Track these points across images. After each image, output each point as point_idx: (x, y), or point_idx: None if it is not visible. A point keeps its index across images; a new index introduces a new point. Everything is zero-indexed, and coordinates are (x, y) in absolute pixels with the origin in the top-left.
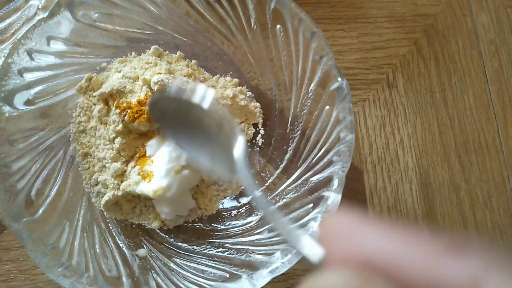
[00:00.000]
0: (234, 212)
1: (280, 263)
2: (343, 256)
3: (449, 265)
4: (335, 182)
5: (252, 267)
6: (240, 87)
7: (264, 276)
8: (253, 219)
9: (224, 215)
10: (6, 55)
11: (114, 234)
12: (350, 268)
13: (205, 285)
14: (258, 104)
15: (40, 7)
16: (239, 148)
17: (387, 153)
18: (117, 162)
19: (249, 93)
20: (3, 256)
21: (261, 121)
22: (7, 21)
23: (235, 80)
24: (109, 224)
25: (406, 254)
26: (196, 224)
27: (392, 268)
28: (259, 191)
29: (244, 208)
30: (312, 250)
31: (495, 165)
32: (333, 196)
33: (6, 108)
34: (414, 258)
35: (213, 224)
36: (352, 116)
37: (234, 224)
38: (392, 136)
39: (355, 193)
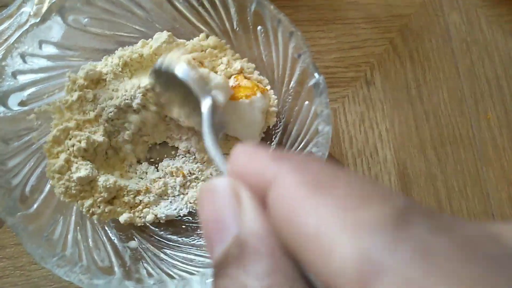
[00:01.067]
0: None
1: None
2: (233, 171)
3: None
4: None
5: None
6: (246, 58)
7: None
8: None
9: None
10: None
11: (106, 227)
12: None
13: (193, 272)
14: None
15: (31, 14)
16: (205, 106)
17: (367, 146)
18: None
19: None
20: None
21: (269, 87)
22: (0, 28)
23: (238, 54)
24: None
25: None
26: (185, 218)
27: (247, 179)
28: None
29: None
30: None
31: (469, 156)
32: None
33: (1, 109)
34: (252, 169)
35: None
36: (329, 110)
37: None
38: (371, 130)
39: None
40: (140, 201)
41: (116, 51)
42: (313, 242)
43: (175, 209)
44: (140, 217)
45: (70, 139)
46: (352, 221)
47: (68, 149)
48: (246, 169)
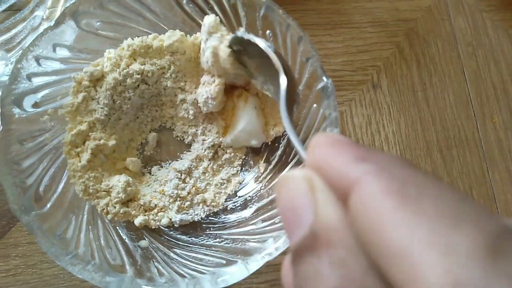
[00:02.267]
0: (231, 206)
1: (273, 248)
2: (312, 164)
3: (347, 169)
4: None
5: (247, 253)
6: None
7: (258, 260)
8: (248, 211)
9: (220, 209)
10: (13, 62)
11: (117, 227)
12: (310, 169)
13: (204, 271)
14: None
15: (44, 17)
16: (283, 84)
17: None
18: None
19: None
20: (11, 252)
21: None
22: (14, 31)
23: None
24: None
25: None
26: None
27: (324, 172)
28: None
29: (239, 201)
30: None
31: (475, 158)
32: None
33: (16, 110)
34: (333, 165)
35: (210, 218)
36: (337, 113)
37: (230, 217)
38: (377, 133)
39: None
40: (155, 205)
41: (124, 40)
42: (399, 258)
43: (190, 214)
44: (155, 220)
45: (88, 140)
46: (443, 244)
47: (88, 150)
48: (326, 164)
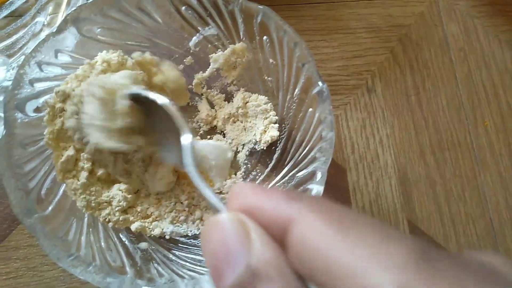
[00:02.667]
0: None
1: None
2: (243, 209)
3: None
4: (318, 175)
5: None
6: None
7: None
8: None
9: None
10: (14, 67)
11: (117, 230)
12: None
13: (202, 272)
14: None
15: (45, 23)
16: (187, 139)
17: (368, 152)
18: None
19: None
20: (12, 255)
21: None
22: (15, 37)
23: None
24: None
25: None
26: None
27: (255, 215)
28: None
29: None
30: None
31: (467, 161)
32: (316, 188)
33: (19, 115)
34: (265, 207)
35: None
36: (332, 116)
37: None
38: (372, 136)
39: (339, 189)
40: (151, 213)
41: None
42: (350, 278)
43: (183, 228)
44: (149, 228)
45: (79, 161)
46: (384, 260)
47: (85, 170)
48: (259, 207)
